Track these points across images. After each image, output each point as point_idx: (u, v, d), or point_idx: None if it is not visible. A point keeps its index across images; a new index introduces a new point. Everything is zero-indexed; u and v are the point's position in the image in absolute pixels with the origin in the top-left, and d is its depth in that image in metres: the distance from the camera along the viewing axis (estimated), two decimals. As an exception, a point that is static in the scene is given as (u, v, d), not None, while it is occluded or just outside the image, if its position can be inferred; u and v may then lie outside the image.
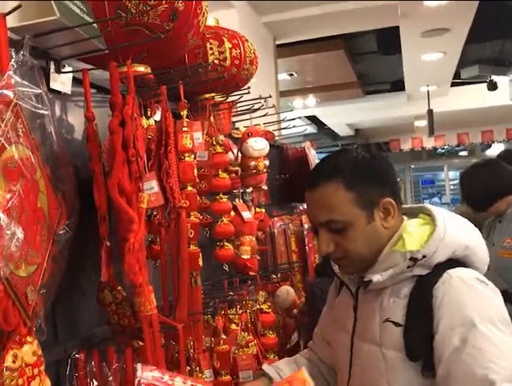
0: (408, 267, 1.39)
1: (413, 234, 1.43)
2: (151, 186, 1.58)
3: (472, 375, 1.25)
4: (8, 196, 1.02)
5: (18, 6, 1.19)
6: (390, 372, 1.39)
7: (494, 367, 1.23)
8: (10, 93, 1.07)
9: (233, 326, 2.02)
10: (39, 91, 1.16)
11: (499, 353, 1.25)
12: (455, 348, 1.28)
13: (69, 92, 1.53)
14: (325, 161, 1.53)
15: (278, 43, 5.96)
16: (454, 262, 1.41)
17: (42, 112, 1.19)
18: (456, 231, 1.43)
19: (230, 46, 2.24)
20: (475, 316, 1.29)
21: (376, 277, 1.41)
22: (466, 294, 1.34)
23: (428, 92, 9.93)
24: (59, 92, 1.49)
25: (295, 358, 1.81)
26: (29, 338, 1.10)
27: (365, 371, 1.46)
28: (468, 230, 1.48)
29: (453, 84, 10.13)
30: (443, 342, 1.31)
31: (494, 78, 9.87)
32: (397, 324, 1.38)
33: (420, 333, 1.35)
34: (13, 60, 1.13)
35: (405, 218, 1.52)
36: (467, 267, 1.42)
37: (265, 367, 1.73)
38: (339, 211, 1.42)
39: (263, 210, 2.66)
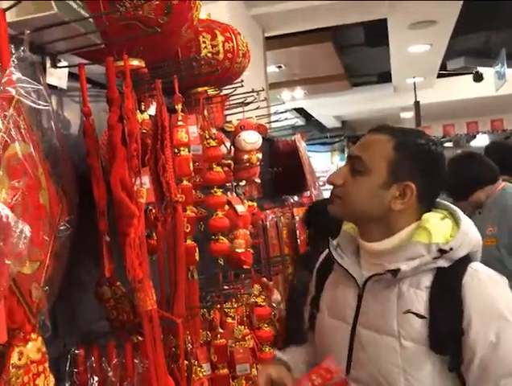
0: (434, 258, 1.40)
1: (438, 226, 1.44)
2: (144, 181, 1.58)
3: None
4: (12, 194, 1.02)
5: (19, 1, 1.18)
6: (407, 363, 1.40)
7: None
8: (11, 90, 1.06)
9: (229, 320, 2.03)
10: (40, 87, 1.16)
11: None
12: (490, 343, 1.33)
13: (65, 87, 1.52)
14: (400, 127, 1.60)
15: (266, 35, 5.94)
16: (468, 257, 1.44)
17: (42, 107, 1.18)
18: (473, 226, 1.48)
19: (223, 39, 2.24)
20: (506, 310, 1.35)
21: (403, 267, 1.40)
22: (495, 289, 1.40)
23: (415, 83, 9.96)
24: (55, 87, 1.48)
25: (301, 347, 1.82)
26: (33, 335, 1.09)
27: (374, 360, 1.45)
28: (475, 227, 1.51)
29: (439, 76, 10.17)
30: (478, 338, 1.34)
31: (480, 69, 9.94)
32: (420, 316, 1.38)
33: (447, 326, 1.37)
34: (13, 56, 1.12)
35: None
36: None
37: (279, 354, 1.78)
38: (370, 155, 1.48)
39: (255, 203, 2.66)
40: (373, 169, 1.47)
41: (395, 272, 1.42)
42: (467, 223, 1.46)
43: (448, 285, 1.40)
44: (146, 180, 1.59)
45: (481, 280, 1.39)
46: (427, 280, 1.42)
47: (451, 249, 1.39)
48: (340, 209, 1.55)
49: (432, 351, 1.37)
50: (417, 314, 1.39)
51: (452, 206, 1.53)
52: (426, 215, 1.48)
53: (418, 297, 1.41)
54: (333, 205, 1.56)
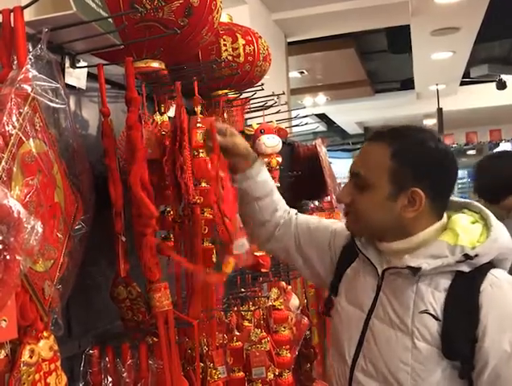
0: (457, 262, 1.36)
1: (467, 230, 1.41)
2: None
3: None
4: (25, 190, 1.02)
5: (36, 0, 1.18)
6: (417, 363, 1.37)
7: None
8: (27, 87, 1.06)
9: (246, 323, 2.02)
10: (57, 85, 1.15)
11: None
12: (505, 352, 1.30)
13: (84, 88, 1.52)
14: (392, 126, 1.51)
15: (289, 40, 5.94)
16: (491, 263, 1.39)
17: (59, 106, 1.18)
18: (505, 233, 1.43)
19: (244, 42, 2.23)
20: None
21: (424, 265, 1.36)
22: None
23: (438, 90, 9.90)
24: (73, 87, 1.48)
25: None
26: (45, 333, 1.09)
27: (384, 354, 1.42)
28: (507, 234, 1.46)
29: (462, 83, 10.09)
30: (492, 346, 1.31)
31: (503, 77, 9.85)
32: (435, 317, 1.36)
33: (461, 332, 1.33)
34: (30, 54, 1.12)
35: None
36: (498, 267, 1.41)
37: None
38: (369, 170, 1.43)
39: (275, 207, 2.64)
40: (375, 183, 1.42)
41: (415, 269, 1.38)
42: (498, 229, 1.41)
43: (465, 290, 1.36)
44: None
45: (501, 288, 1.35)
46: (446, 282, 1.38)
47: (476, 256, 1.35)
48: (354, 225, 1.52)
49: (443, 355, 1.34)
50: (433, 316, 1.36)
51: (486, 210, 1.47)
52: (456, 217, 1.45)
53: (435, 299, 1.37)
54: (348, 222, 1.54)
